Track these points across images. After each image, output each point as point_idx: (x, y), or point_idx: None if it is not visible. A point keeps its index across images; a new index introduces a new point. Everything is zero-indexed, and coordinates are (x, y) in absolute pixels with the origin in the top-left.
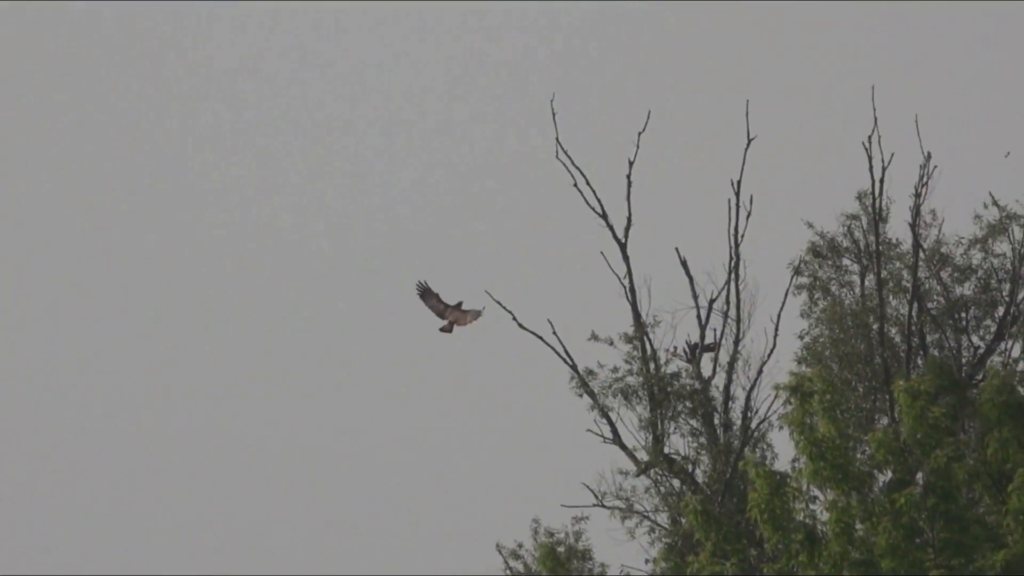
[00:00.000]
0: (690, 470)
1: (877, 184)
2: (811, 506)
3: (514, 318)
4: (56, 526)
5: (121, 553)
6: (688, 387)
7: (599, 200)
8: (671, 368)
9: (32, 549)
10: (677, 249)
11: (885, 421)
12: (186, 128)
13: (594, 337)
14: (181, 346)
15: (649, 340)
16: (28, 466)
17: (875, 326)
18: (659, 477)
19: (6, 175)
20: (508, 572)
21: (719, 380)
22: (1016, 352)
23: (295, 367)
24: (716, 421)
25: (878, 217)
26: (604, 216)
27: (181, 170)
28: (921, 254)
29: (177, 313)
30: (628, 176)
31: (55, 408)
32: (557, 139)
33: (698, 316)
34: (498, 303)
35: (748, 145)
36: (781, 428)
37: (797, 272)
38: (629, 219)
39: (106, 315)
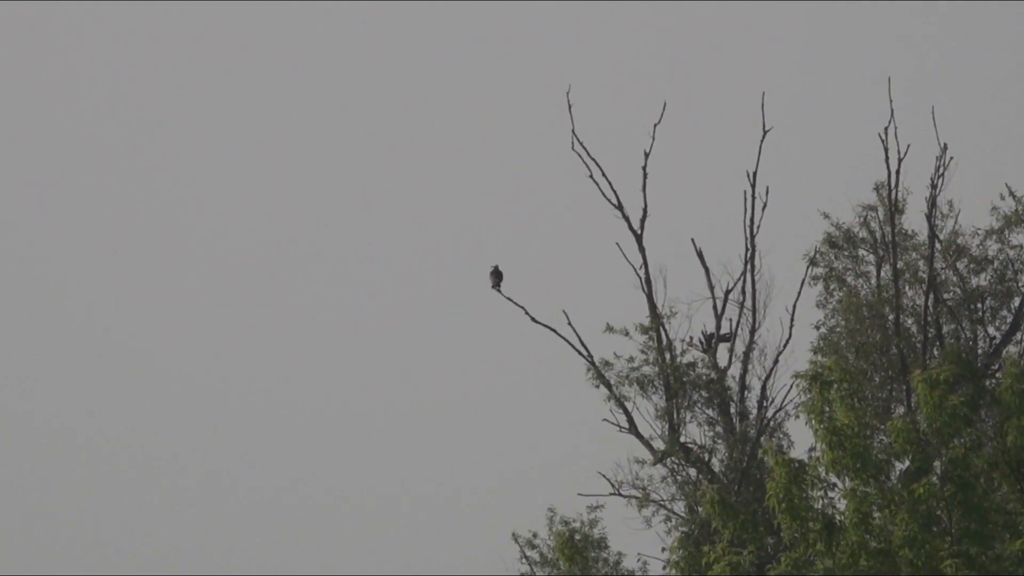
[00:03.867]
0: (706, 459)
1: (893, 175)
2: (829, 494)
3: (526, 312)
4: (55, 526)
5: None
6: (704, 377)
7: (615, 191)
8: (687, 358)
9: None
10: (693, 240)
11: (901, 411)
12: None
13: (610, 328)
14: (181, 344)
15: (665, 330)
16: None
17: (891, 316)
18: (675, 466)
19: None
20: (524, 561)
21: (735, 370)
22: None
23: (310, 360)
24: (732, 410)
25: (894, 208)
26: (620, 207)
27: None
28: (937, 245)
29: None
30: (644, 167)
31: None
32: (573, 130)
33: (714, 306)
34: (509, 299)
35: (764, 136)
36: (797, 417)
37: (813, 263)
38: (645, 210)
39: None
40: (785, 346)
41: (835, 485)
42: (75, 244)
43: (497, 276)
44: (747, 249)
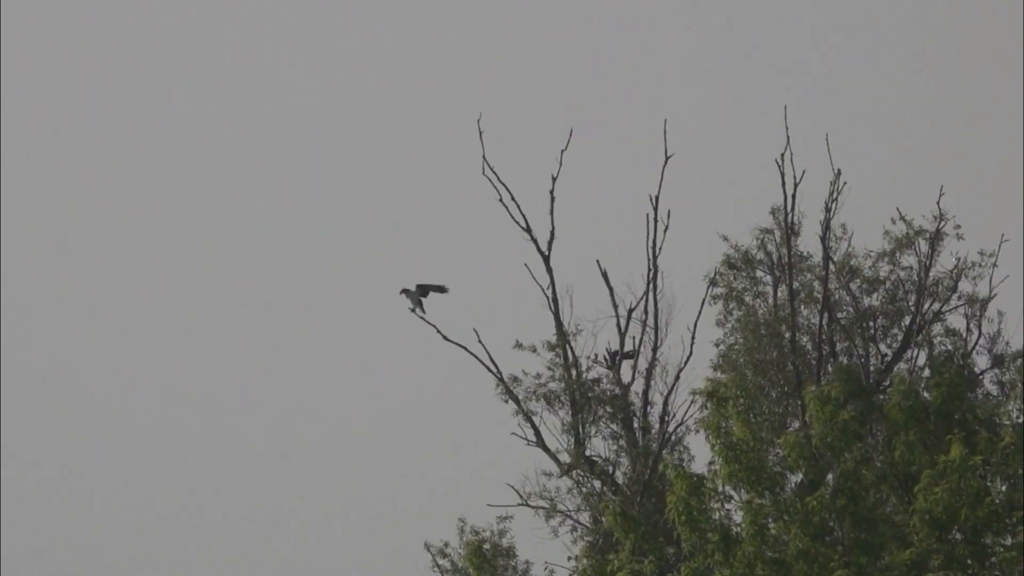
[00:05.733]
0: (610, 471)
1: (789, 199)
2: (726, 506)
3: (438, 331)
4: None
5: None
6: (608, 392)
7: (523, 214)
8: (592, 374)
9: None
10: (598, 261)
11: (797, 425)
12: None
13: (518, 345)
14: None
15: (571, 348)
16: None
17: (787, 334)
18: (581, 478)
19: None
20: (436, 569)
21: (638, 386)
22: (921, 360)
23: (219, 378)
24: (635, 425)
25: (790, 231)
26: (528, 230)
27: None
28: (831, 266)
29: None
30: (551, 192)
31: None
32: (484, 156)
33: (618, 325)
34: (423, 318)
35: (666, 162)
36: (697, 432)
37: (713, 283)
38: (552, 233)
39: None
40: (686, 363)
41: (732, 497)
42: (80, 245)
43: (422, 292)
44: (650, 270)
